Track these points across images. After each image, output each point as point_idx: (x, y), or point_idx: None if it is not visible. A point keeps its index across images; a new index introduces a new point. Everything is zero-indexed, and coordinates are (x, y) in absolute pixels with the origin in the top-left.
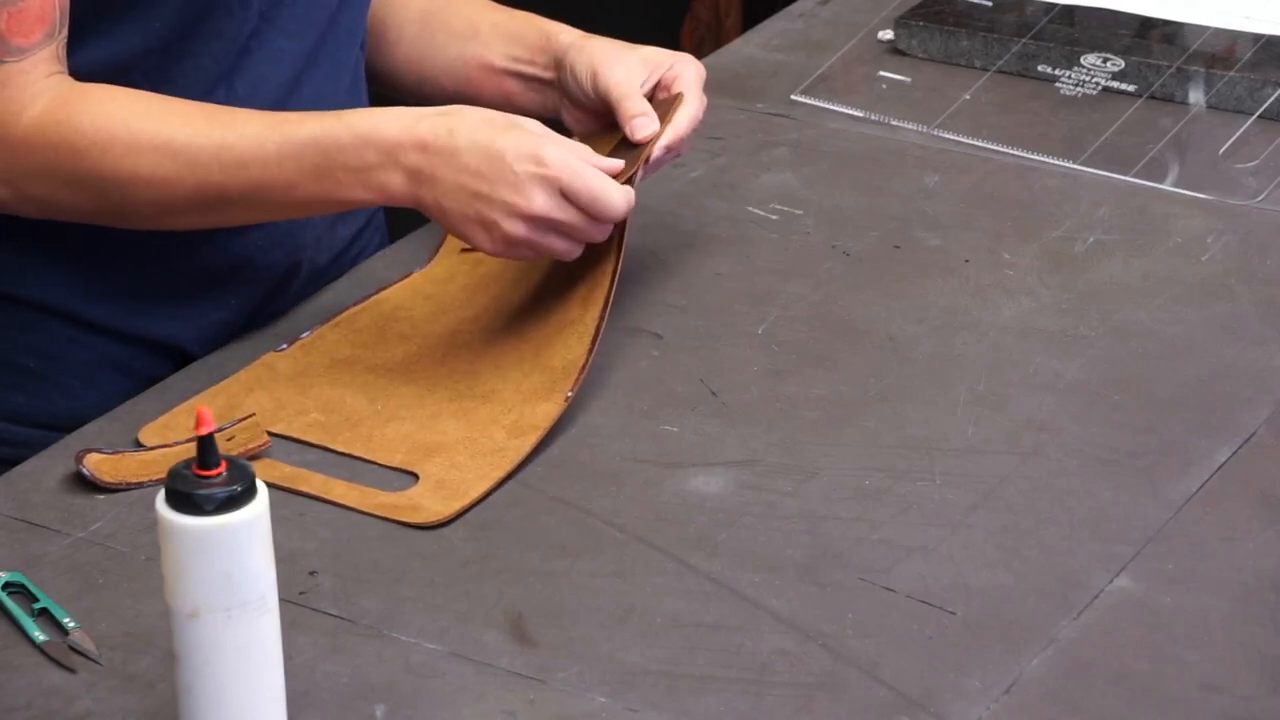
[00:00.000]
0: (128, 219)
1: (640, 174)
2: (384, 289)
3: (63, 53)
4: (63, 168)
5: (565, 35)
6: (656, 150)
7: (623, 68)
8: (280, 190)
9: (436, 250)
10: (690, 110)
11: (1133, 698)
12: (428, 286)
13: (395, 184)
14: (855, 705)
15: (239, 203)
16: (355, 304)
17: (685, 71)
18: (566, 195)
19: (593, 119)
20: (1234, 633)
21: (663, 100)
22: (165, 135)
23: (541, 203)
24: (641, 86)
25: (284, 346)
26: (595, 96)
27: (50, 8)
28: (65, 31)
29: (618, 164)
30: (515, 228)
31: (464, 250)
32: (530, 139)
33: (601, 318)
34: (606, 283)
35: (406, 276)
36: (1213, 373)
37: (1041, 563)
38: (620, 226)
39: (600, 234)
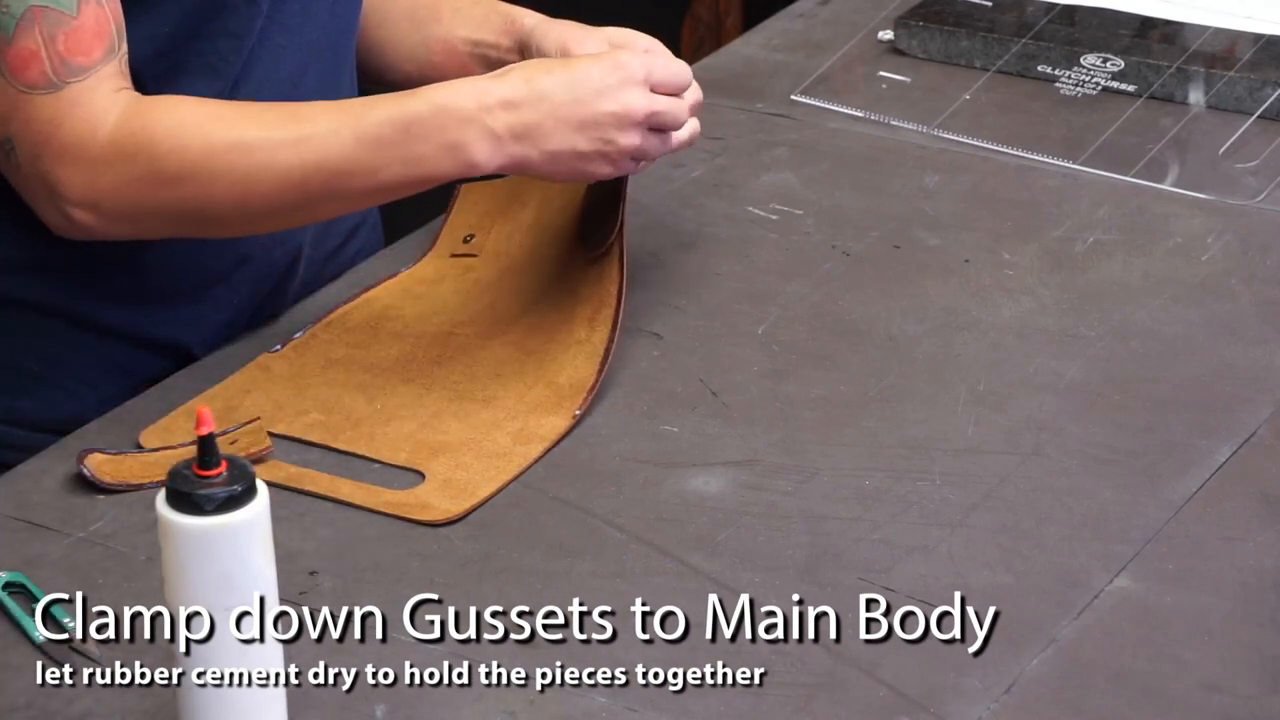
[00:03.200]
0: (213, 225)
1: (626, 219)
2: (371, 288)
3: (126, 68)
4: (142, 177)
5: (528, 18)
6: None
7: (593, 41)
8: (363, 176)
9: (427, 252)
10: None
11: (1133, 698)
12: (417, 287)
13: (482, 151)
14: (855, 705)
15: (322, 195)
16: (345, 303)
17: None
18: (652, 85)
19: None
20: (1234, 633)
21: None
22: (238, 134)
23: (641, 101)
24: None
25: (278, 347)
26: None
27: (106, 23)
28: (125, 47)
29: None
30: (629, 137)
31: (454, 255)
32: (594, 57)
33: (611, 340)
34: (613, 303)
35: (394, 276)
36: (1213, 373)
37: (1041, 563)
38: (619, 246)
39: (684, 115)
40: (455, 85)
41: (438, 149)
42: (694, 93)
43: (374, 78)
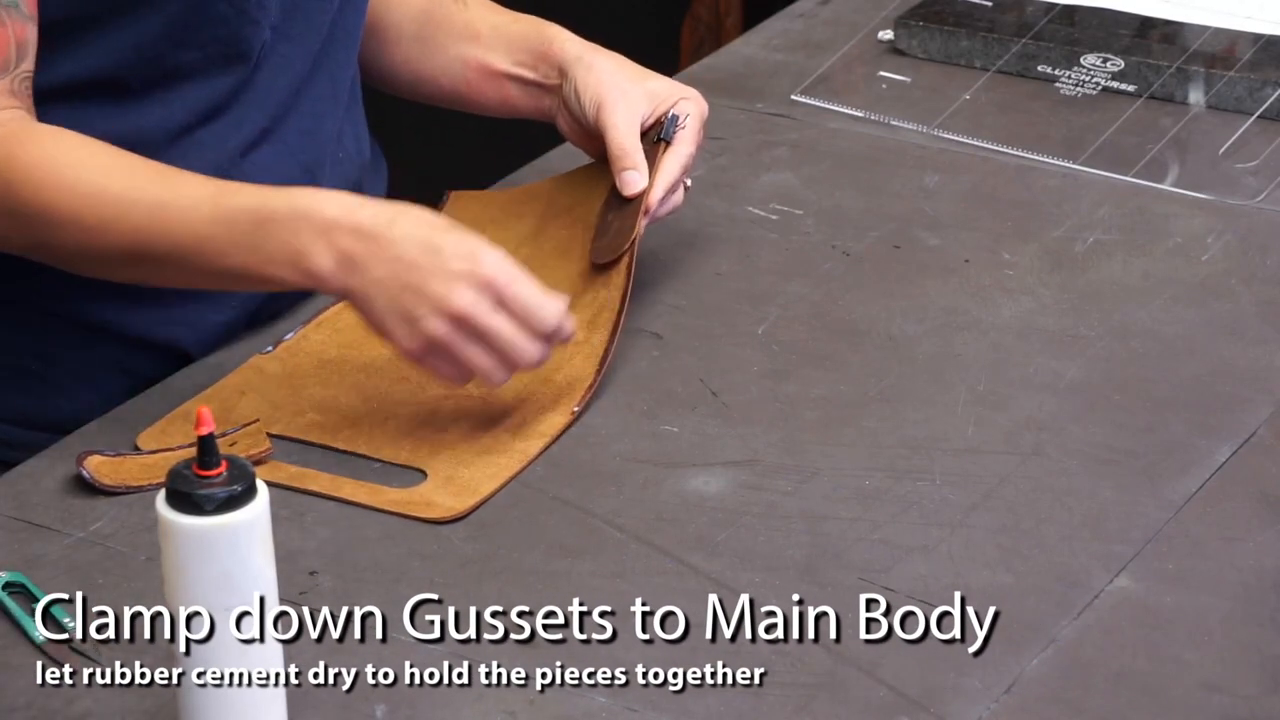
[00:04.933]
0: (55, 259)
1: (641, 233)
2: None
3: (21, 88)
4: None
5: (571, 46)
6: (653, 198)
7: (625, 105)
8: (209, 257)
9: None
10: (680, 154)
11: (1133, 698)
12: None
13: (324, 265)
14: (855, 705)
15: (165, 262)
16: (336, 302)
17: (684, 109)
18: (500, 300)
19: (586, 137)
20: (1234, 633)
21: (654, 127)
22: (101, 184)
23: (470, 300)
24: (643, 123)
25: (269, 348)
26: (594, 128)
27: (4, 43)
28: (25, 67)
29: (563, 300)
30: (437, 326)
31: None
32: (471, 241)
33: (611, 342)
34: (615, 307)
35: None
36: (1213, 373)
37: (1041, 563)
38: (630, 258)
39: (526, 354)
40: (327, 195)
41: (282, 251)
42: (563, 325)
43: (407, 93)
